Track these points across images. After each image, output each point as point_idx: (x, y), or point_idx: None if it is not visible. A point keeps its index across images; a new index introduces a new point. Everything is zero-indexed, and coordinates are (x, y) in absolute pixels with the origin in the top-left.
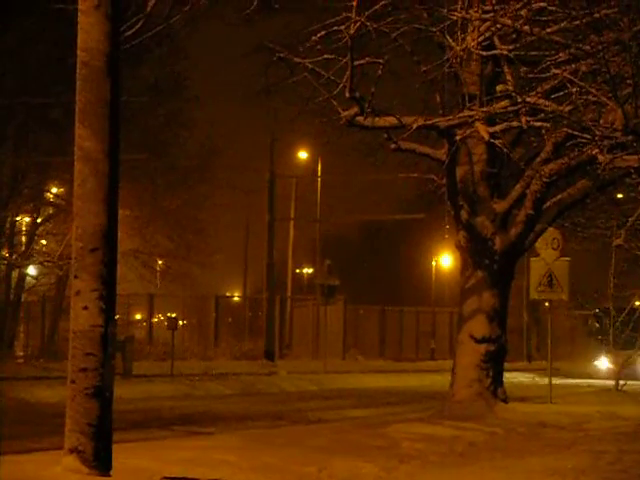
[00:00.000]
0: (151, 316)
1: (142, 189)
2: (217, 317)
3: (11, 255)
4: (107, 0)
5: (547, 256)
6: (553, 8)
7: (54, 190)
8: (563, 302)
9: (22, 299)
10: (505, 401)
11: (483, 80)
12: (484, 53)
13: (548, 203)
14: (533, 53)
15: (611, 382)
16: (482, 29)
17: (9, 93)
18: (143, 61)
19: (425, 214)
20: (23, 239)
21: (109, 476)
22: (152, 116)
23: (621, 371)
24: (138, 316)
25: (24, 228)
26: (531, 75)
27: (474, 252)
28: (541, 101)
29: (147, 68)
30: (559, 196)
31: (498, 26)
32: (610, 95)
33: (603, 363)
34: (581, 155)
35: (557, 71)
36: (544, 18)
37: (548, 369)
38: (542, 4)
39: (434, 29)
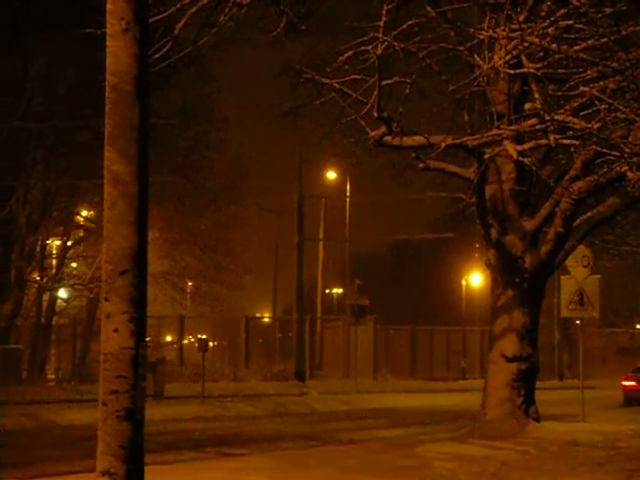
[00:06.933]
0: (182, 338)
1: (171, 211)
2: (247, 338)
3: (42, 278)
4: (135, 24)
5: (578, 274)
6: (580, 26)
7: (84, 213)
8: (594, 320)
9: (53, 322)
10: (537, 420)
11: (511, 98)
12: (512, 71)
13: (578, 221)
14: (561, 71)
15: None
16: (509, 47)
17: (38, 117)
18: (171, 84)
19: (455, 233)
20: (54, 262)
21: None
22: (181, 138)
23: None
24: (169, 338)
25: (54, 251)
26: (559, 93)
27: (504, 271)
28: (569, 119)
29: (175, 90)
30: (589, 214)
31: (525, 44)
32: (639, 112)
33: None
34: (610, 172)
35: (585, 89)
36: (571, 36)
37: (580, 387)
38: (569, 22)
39: (461, 48)
